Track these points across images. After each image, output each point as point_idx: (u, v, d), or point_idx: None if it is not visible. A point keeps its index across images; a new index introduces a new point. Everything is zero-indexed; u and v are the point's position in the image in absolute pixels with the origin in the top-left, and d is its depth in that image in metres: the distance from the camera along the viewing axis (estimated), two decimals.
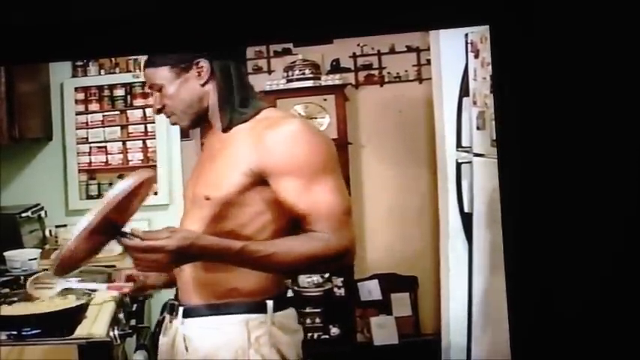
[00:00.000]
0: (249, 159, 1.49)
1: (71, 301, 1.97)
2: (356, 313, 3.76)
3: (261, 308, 1.53)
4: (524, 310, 1.38)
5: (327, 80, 3.74)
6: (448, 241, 3.05)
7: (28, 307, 1.95)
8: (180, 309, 1.58)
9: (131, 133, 3.36)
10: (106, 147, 3.35)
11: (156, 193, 3.25)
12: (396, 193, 3.85)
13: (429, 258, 3.63)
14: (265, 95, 3.52)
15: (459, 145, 2.94)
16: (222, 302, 1.54)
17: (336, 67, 3.90)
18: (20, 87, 2.83)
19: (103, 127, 3.34)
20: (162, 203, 3.26)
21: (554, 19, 1.36)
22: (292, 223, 1.50)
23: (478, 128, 2.71)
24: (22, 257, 2.48)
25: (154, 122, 3.31)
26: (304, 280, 3.62)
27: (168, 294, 1.71)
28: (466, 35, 2.75)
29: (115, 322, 1.94)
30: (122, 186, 1.41)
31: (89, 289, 1.99)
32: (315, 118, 3.70)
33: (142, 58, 2.24)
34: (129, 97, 3.35)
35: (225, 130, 1.56)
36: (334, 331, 3.66)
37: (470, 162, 2.83)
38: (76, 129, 3.32)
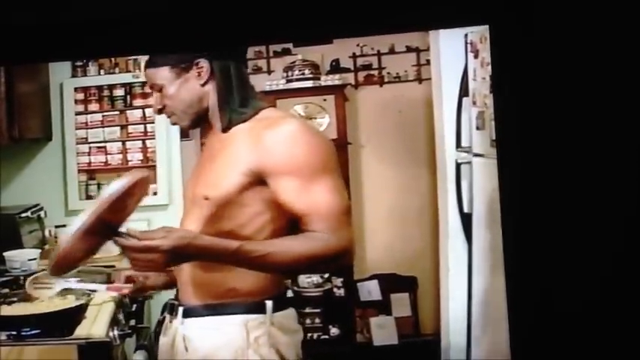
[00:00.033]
0: (249, 159, 1.48)
1: (71, 302, 1.97)
2: (356, 313, 3.75)
3: (260, 308, 1.53)
4: (524, 310, 1.38)
5: (327, 80, 3.73)
6: (448, 242, 3.05)
7: (28, 308, 1.95)
8: (180, 309, 1.58)
9: (131, 133, 3.35)
10: (105, 147, 3.33)
11: (155, 193, 3.24)
12: (395, 193, 3.84)
13: (428, 258, 3.63)
14: (265, 95, 3.51)
15: (458, 145, 2.93)
16: (221, 302, 1.54)
17: (335, 68, 3.89)
18: (20, 87, 2.82)
19: (103, 127, 3.33)
20: (162, 203, 3.25)
21: (553, 19, 1.36)
22: (291, 223, 1.49)
23: (478, 128, 2.71)
24: (22, 257, 2.47)
25: (153, 122, 3.30)
26: (304, 280, 3.61)
27: (168, 294, 1.70)
28: (466, 35, 2.75)
29: (114, 322, 1.94)
30: (115, 186, 1.41)
31: (88, 290, 1.99)
32: (315, 118, 3.69)
33: (142, 58, 2.24)
34: (128, 97, 3.34)
35: (225, 130, 1.55)
36: (334, 331, 3.65)
37: (469, 162, 2.83)
38: (76, 129, 3.31)
